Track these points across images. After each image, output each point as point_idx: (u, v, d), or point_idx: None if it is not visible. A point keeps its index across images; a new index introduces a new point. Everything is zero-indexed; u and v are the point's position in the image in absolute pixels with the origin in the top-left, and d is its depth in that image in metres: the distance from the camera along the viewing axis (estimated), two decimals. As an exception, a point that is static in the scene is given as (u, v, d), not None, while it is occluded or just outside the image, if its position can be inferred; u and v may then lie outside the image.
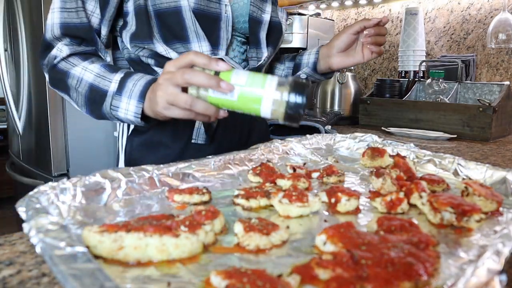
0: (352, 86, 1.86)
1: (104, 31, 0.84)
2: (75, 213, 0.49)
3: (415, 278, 0.35)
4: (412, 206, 0.58)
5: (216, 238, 0.45)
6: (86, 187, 0.54)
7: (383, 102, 1.68)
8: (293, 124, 0.60)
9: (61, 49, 0.81)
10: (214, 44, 0.85)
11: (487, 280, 0.34)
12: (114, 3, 0.82)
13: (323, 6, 2.46)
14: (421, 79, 1.77)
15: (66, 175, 2.00)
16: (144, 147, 0.90)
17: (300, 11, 2.30)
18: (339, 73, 1.87)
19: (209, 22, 0.84)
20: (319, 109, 1.90)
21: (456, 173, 0.75)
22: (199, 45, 0.83)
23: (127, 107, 0.73)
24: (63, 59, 0.81)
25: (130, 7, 0.83)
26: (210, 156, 0.72)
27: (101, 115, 0.79)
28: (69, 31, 0.80)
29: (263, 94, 0.58)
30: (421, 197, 0.56)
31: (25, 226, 0.40)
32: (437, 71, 1.65)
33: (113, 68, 0.79)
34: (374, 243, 0.40)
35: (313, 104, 1.92)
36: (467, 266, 0.40)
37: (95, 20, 0.82)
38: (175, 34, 0.83)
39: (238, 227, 0.45)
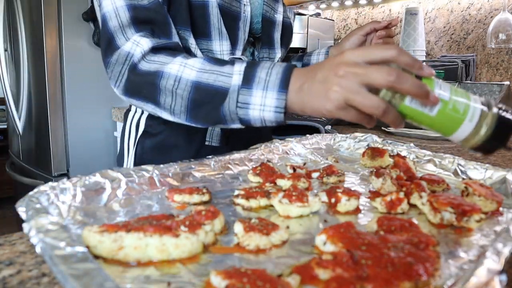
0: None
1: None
2: (75, 213, 0.49)
3: (415, 278, 0.35)
4: (412, 206, 0.58)
5: (216, 238, 0.45)
6: (86, 187, 0.54)
7: (383, 102, 1.67)
8: (477, 154, 0.51)
9: (138, 42, 0.67)
10: (233, 43, 0.84)
11: (487, 280, 0.34)
12: None
13: (323, 6, 2.46)
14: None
15: (66, 175, 2.00)
16: (157, 150, 0.86)
17: (300, 11, 2.30)
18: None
19: (230, 21, 0.82)
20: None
21: (456, 173, 0.75)
22: (220, 43, 0.81)
23: (263, 102, 0.58)
24: (144, 56, 0.67)
25: None
26: (210, 156, 0.72)
27: (214, 120, 0.63)
28: (139, 14, 0.68)
29: (467, 116, 0.48)
30: (421, 197, 0.56)
31: (25, 226, 0.40)
32: (437, 71, 1.65)
33: (221, 60, 0.65)
34: (374, 243, 0.40)
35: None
36: (467, 266, 0.40)
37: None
38: (197, 30, 0.79)
39: (238, 227, 0.45)
